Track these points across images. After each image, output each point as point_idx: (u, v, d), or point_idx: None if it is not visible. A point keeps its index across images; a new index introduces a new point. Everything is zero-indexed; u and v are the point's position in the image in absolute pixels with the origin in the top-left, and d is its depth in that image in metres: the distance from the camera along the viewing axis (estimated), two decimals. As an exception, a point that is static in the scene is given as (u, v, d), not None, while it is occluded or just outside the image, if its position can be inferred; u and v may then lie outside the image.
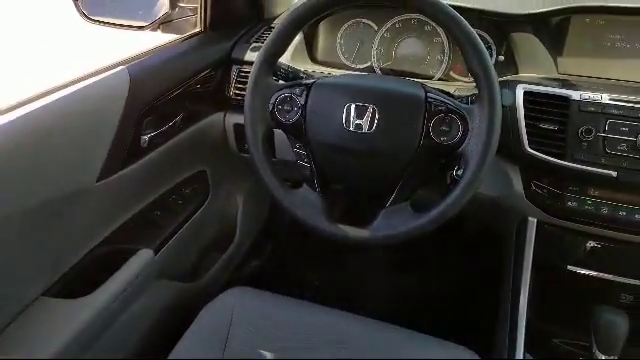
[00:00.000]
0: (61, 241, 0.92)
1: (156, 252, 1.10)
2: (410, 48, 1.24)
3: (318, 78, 0.93)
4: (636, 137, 0.89)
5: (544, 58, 1.10)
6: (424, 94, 0.85)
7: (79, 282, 0.98)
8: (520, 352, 1.06)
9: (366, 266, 1.74)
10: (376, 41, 1.26)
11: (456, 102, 0.84)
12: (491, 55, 1.17)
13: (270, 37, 0.88)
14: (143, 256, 1.06)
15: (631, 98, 0.92)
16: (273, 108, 0.90)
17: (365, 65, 1.28)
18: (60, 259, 0.94)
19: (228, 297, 0.98)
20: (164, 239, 1.15)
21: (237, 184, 1.51)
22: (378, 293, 1.66)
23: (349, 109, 0.85)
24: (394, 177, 0.87)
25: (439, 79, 1.22)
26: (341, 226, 0.88)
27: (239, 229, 1.54)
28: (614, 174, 0.90)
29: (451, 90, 1.03)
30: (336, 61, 1.30)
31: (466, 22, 0.80)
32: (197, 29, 1.26)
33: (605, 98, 0.92)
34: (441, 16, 0.81)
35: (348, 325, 0.93)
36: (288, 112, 0.90)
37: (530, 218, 1.06)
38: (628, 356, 1.00)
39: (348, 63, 1.30)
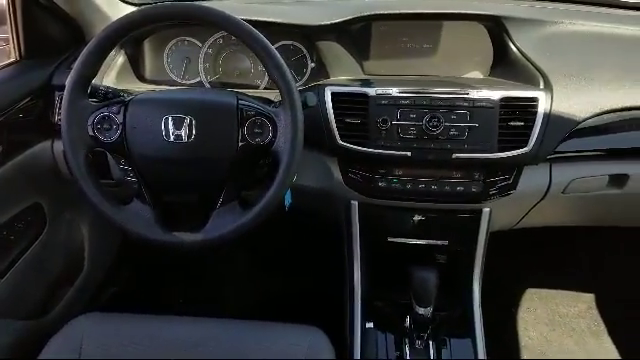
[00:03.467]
0: None
1: None
2: (234, 61, 1.33)
3: (135, 95, 0.97)
4: (421, 121, 1.05)
5: (349, 62, 1.25)
6: (236, 101, 0.94)
7: None
8: (358, 322, 1.19)
9: (227, 272, 1.79)
10: (201, 57, 1.32)
11: (265, 106, 0.94)
12: (306, 63, 1.30)
13: (78, 60, 0.90)
14: None
15: (416, 89, 1.08)
16: (92, 129, 0.92)
17: (195, 81, 1.33)
18: None
19: (76, 325, 0.95)
20: None
21: (79, 213, 1.46)
22: (241, 295, 1.71)
23: (167, 121, 0.90)
24: (220, 180, 0.94)
25: (265, 88, 1.32)
26: (175, 234, 0.92)
27: (88, 258, 1.49)
28: (409, 154, 1.06)
29: (272, 97, 1.13)
30: (165, 79, 1.34)
31: (261, 36, 0.88)
32: (12, 59, 1.22)
33: (395, 92, 1.07)
34: (238, 32, 0.89)
35: (205, 329, 0.96)
36: (108, 131, 0.92)
37: (352, 201, 1.20)
38: (441, 306, 1.18)
39: (178, 80, 1.34)
